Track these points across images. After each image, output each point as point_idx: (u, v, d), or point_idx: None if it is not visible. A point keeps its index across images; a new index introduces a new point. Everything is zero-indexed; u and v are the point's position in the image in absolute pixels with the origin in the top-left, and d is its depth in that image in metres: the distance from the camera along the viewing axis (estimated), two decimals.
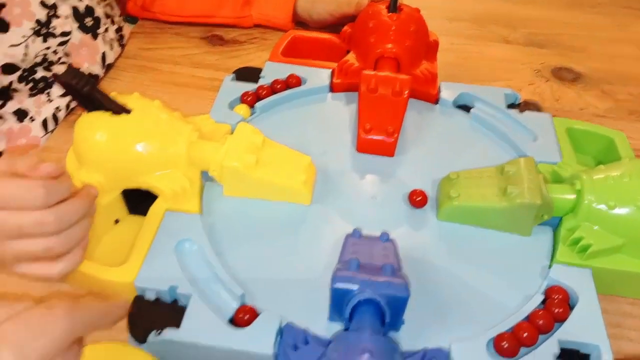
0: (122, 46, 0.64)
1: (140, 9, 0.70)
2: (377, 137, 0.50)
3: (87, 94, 0.41)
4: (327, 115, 0.54)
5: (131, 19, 0.71)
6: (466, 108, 0.55)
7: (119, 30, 0.63)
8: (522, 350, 0.35)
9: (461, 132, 0.53)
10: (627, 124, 0.61)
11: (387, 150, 0.50)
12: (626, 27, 0.79)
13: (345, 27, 0.61)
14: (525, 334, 0.35)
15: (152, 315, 0.36)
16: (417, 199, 0.45)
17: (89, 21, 0.57)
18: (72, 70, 0.41)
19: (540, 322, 0.36)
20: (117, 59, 0.63)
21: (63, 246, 0.34)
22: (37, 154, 0.52)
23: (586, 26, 0.79)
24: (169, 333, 0.35)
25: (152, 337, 0.35)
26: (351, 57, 0.57)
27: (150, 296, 0.38)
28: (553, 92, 0.66)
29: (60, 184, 0.33)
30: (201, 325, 0.35)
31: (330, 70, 0.58)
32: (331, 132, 0.53)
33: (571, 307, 0.38)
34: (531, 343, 0.35)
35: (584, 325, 0.37)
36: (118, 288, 0.38)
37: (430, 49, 0.58)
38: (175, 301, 0.38)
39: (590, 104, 0.64)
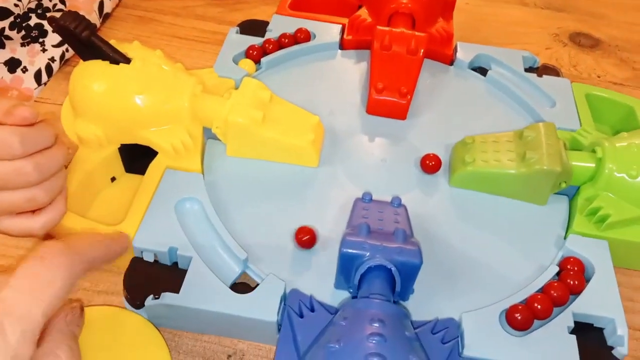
0: None
1: None
2: (390, 98, 0.47)
3: (86, 39, 0.38)
4: (336, 74, 0.52)
5: None
6: (482, 70, 0.52)
7: None
8: (536, 322, 0.34)
9: (477, 96, 0.50)
10: None
11: (399, 112, 0.48)
12: None
13: None
14: (539, 306, 0.34)
15: (150, 278, 0.35)
16: (429, 164, 0.43)
17: None
18: (71, 14, 0.38)
19: (555, 294, 0.35)
20: (114, 8, 0.60)
21: (45, 196, 0.31)
22: (14, 98, 0.50)
23: None
24: (167, 297, 0.33)
25: (150, 301, 0.33)
26: (363, 13, 0.54)
27: (149, 258, 0.36)
28: (570, 58, 0.62)
29: (38, 131, 0.31)
30: (202, 290, 0.33)
31: (341, 26, 0.55)
32: (340, 91, 0.50)
33: (586, 280, 0.36)
34: (545, 316, 0.34)
35: (599, 299, 0.35)
36: None
37: (446, 6, 0.55)
38: (174, 264, 0.36)
39: (608, 71, 0.61)
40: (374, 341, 0.27)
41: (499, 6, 0.70)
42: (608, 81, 0.60)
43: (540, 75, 0.51)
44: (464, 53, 0.53)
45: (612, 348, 0.34)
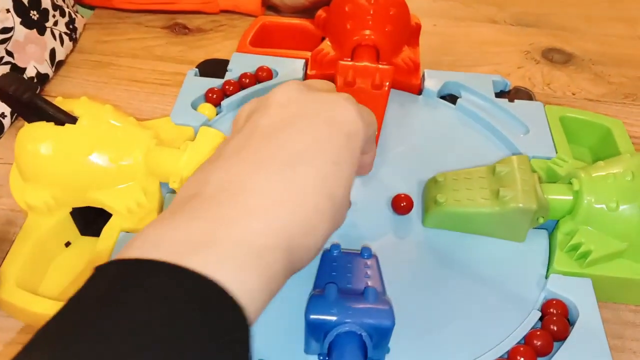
0: (74, 40, 0.58)
1: None
2: None
3: (28, 101, 0.36)
4: None
5: (86, 8, 0.65)
6: (452, 98, 0.51)
7: (70, 22, 0.57)
8: None
9: (447, 126, 0.49)
10: (622, 108, 0.58)
11: None
12: (619, 4, 0.75)
13: (320, 12, 0.56)
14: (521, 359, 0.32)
15: None
16: (401, 205, 0.41)
17: (34, 14, 0.51)
18: (10, 76, 0.37)
19: (538, 343, 0.33)
20: (68, 55, 0.58)
21: None
22: None
23: (577, 4, 0.74)
24: None
25: None
26: (326, 46, 0.53)
27: None
28: (544, 76, 0.62)
29: None
30: None
31: (304, 60, 0.53)
32: None
33: (571, 323, 0.35)
34: None
35: (585, 345, 0.33)
36: None
37: (412, 33, 0.54)
38: None
39: (583, 88, 0.60)
40: None
41: (468, 26, 0.69)
42: (584, 98, 0.59)
43: (512, 100, 0.50)
44: (432, 81, 0.51)
45: None
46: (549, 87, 0.60)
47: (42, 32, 0.53)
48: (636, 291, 0.39)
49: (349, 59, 0.49)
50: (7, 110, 0.50)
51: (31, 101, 0.37)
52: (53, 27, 0.54)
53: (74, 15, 0.58)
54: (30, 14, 0.51)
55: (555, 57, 0.65)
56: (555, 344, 0.34)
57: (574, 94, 0.59)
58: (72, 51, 0.58)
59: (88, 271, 0.35)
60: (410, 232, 0.41)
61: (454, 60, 0.63)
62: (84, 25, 0.62)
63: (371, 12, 0.50)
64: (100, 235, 0.38)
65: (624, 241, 0.37)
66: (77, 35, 0.59)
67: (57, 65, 0.55)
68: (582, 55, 0.65)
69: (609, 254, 0.37)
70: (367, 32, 0.49)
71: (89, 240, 0.41)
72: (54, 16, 0.54)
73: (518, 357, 0.32)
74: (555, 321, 0.34)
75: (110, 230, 0.38)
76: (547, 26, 0.70)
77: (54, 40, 0.54)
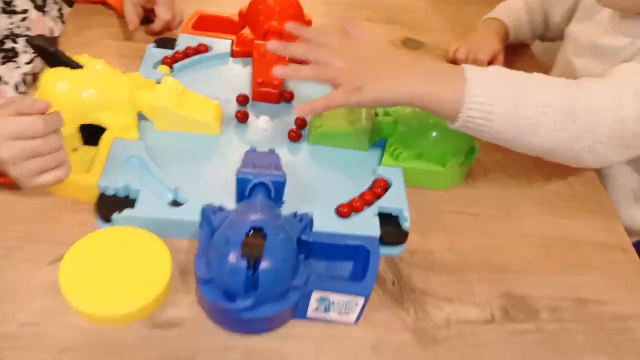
0: (62, 23, 0.81)
1: None
2: (267, 89, 0.73)
3: (53, 52, 0.60)
4: (229, 74, 0.77)
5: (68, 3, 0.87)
6: None
7: (60, 9, 0.80)
8: (354, 214, 0.61)
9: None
10: None
11: (275, 98, 0.74)
12: (457, 12, 1.09)
13: (241, 9, 0.83)
14: (357, 204, 0.61)
15: (113, 203, 0.57)
16: (292, 134, 0.69)
17: (39, 1, 0.74)
18: (40, 35, 0.60)
19: (367, 197, 0.62)
20: (60, 35, 0.80)
21: (64, 154, 0.53)
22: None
23: (429, 8, 1.08)
24: (127, 211, 0.56)
25: (116, 215, 0.56)
26: (246, 31, 0.80)
27: (110, 193, 0.58)
28: None
29: (54, 117, 0.53)
30: (150, 205, 0.56)
31: (231, 40, 0.80)
32: (233, 86, 0.75)
33: (387, 189, 0.64)
34: (360, 209, 0.61)
35: (393, 199, 0.63)
36: (85, 189, 0.58)
37: (305, 25, 0.82)
38: (127, 197, 0.58)
39: None
40: (257, 214, 0.52)
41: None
42: None
43: None
44: None
45: (400, 225, 0.61)
46: None
47: (44, 14, 0.75)
48: (431, 179, 0.69)
49: (262, 41, 0.76)
50: (28, 70, 0.71)
51: (54, 52, 0.60)
52: (50, 11, 0.77)
53: (61, 5, 0.81)
54: (36, 0, 0.74)
55: (410, 44, 0.96)
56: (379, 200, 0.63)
57: None
58: (62, 34, 0.81)
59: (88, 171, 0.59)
60: (300, 148, 0.69)
61: None
62: (68, 13, 0.84)
63: (277, 9, 0.78)
64: (99, 142, 0.62)
65: (420, 148, 0.67)
66: (64, 20, 0.82)
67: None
68: (428, 43, 0.97)
69: (413, 154, 0.67)
70: (274, 22, 0.77)
71: (89, 148, 0.64)
72: (49, 3, 0.77)
73: (354, 203, 0.61)
74: (377, 187, 0.63)
75: (106, 139, 0.63)
76: (406, 23, 1.02)
77: (51, 21, 0.77)
